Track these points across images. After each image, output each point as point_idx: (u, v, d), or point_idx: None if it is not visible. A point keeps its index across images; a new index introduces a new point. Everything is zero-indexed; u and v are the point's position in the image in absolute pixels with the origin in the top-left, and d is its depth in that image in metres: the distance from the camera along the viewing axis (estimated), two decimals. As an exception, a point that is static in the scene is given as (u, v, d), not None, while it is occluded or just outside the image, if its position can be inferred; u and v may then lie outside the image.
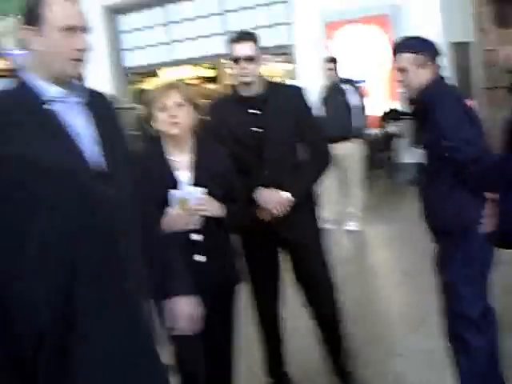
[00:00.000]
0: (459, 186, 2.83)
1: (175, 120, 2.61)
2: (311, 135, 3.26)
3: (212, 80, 14.53)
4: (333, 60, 6.90)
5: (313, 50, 9.53)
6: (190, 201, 2.26)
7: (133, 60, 12.61)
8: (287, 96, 3.23)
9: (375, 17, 9.13)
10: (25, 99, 1.90)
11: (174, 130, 2.61)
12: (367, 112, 7.29)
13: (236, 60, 3.09)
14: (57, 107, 1.92)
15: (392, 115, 8.52)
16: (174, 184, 2.62)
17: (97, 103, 2.03)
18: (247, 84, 3.13)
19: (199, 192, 2.57)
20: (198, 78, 14.49)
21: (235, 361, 2.88)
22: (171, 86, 2.69)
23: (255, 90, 3.15)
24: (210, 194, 2.61)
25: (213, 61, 12.91)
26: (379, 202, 6.80)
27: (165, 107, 2.61)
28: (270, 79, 3.37)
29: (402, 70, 2.90)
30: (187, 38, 11.88)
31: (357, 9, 9.09)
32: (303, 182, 3.24)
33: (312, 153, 3.27)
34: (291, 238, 3.24)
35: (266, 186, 3.14)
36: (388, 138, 9.05)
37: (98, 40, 12.17)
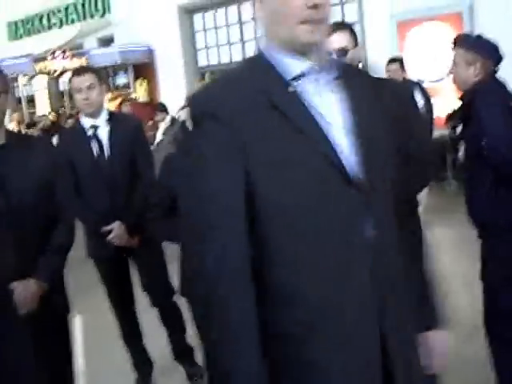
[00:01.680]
0: (499, 183, 2.84)
1: None
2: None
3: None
4: (396, 61, 6.74)
5: (384, 49, 9.36)
6: None
7: (206, 59, 12.81)
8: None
9: (448, 15, 8.89)
10: (266, 80, 1.47)
11: None
12: (436, 113, 7.11)
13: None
14: (303, 87, 1.48)
15: (455, 115, 8.26)
16: None
17: (352, 80, 1.57)
18: None
19: None
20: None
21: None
22: None
23: None
24: None
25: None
26: (444, 204, 6.68)
27: None
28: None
29: (454, 64, 3.08)
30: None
31: (428, 7, 8.85)
32: None
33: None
34: None
35: None
36: (455, 139, 8.77)
37: (172, 39, 12.47)
